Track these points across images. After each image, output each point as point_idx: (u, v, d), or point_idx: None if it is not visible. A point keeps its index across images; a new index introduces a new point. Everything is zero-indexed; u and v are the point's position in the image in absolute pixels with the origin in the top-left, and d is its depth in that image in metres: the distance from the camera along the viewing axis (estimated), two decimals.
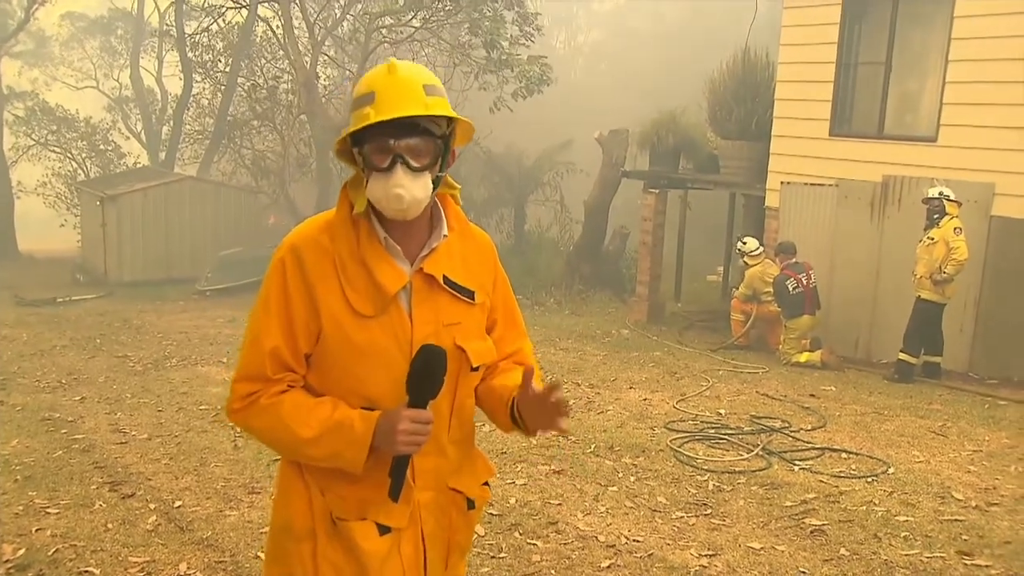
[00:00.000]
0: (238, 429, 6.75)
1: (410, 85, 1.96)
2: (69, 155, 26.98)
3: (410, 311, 2.03)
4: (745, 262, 10.70)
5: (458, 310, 2.09)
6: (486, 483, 2.30)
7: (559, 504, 5.25)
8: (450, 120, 2.01)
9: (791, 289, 9.83)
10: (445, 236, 2.09)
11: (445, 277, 2.07)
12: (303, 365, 2.04)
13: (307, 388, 2.05)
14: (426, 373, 1.95)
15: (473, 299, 2.12)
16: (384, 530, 2.06)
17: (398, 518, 2.08)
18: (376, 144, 1.95)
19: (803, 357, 9.73)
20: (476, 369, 2.13)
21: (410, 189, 1.93)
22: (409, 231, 2.05)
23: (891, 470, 5.92)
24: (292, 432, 1.97)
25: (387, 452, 1.98)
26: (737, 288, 11.07)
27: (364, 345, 1.99)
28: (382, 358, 2.00)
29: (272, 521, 2.17)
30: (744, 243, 10.75)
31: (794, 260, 10.06)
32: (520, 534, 4.78)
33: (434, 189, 2.01)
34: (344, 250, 1.99)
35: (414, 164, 1.94)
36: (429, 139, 1.97)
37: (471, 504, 2.22)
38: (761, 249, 10.62)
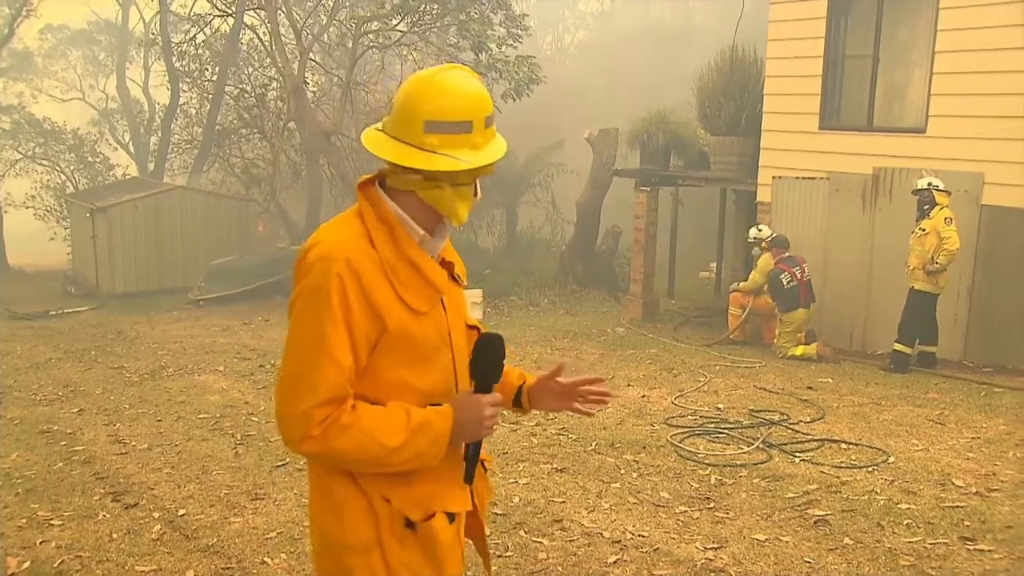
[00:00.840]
0: (237, 436, 6.78)
1: (491, 107, 2.03)
2: (57, 168, 26.90)
3: (443, 300, 2.11)
4: (763, 247, 10.51)
5: (460, 294, 2.23)
6: None
7: (563, 502, 5.26)
8: None
9: (785, 283, 9.87)
10: (451, 227, 2.16)
11: (453, 265, 2.19)
12: (359, 377, 2.01)
13: (359, 398, 2.00)
14: (493, 359, 2.08)
15: (463, 283, 2.26)
16: (451, 518, 2.11)
17: (463, 502, 2.14)
18: (464, 173, 2.00)
19: (799, 350, 9.77)
20: None
21: (478, 196, 2.08)
22: (431, 221, 2.11)
23: (891, 459, 5.95)
24: (380, 443, 1.93)
25: (465, 441, 2.07)
26: (742, 281, 10.95)
27: (422, 341, 2.03)
28: (435, 351, 2.07)
29: (321, 539, 2.07)
30: (760, 230, 10.60)
31: (787, 254, 10.10)
32: (525, 532, 4.79)
33: None
34: (388, 253, 2.00)
35: (484, 175, 2.05)
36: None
37: (486, 468, 2.33)
38: (774, 235, 10.54)
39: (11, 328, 14.09)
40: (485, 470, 2.34)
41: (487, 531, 2.37)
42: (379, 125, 2.05)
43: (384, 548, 2.02)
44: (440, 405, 2.04)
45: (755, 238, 10.57)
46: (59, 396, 8.59)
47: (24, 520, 5.10)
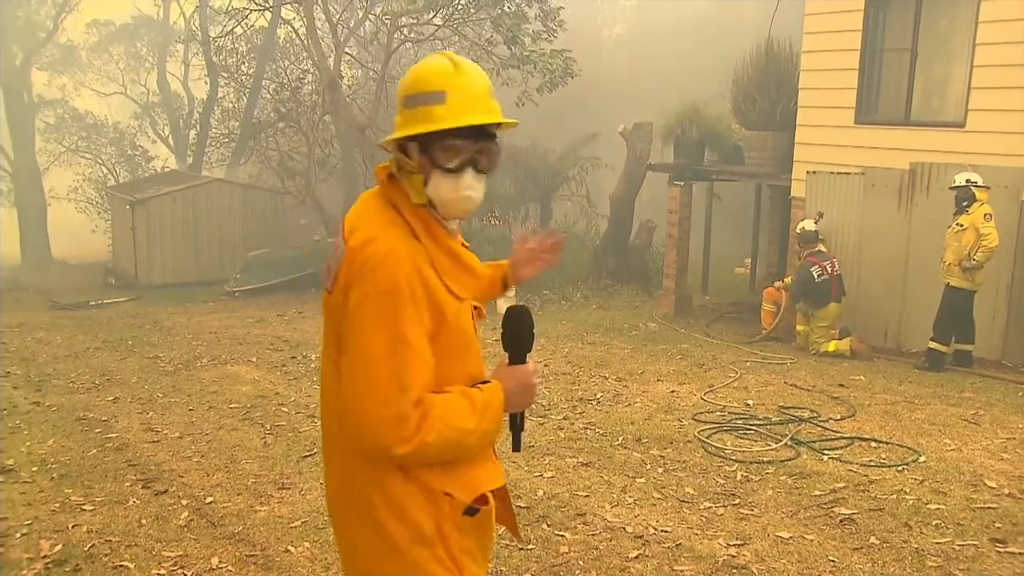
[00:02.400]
0: (266, 426, 6.86)
1: (479, 87, 2.01)
2: (99, 160, 27.39)
3: None
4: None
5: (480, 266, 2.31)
6: None
7: (587, 496, 5.25)
8: None
9: (816, 276, 9.75)
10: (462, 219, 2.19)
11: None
12: None
13: None
14: (525, 330, 2.15)
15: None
16: (493, 494, 2.15)
17: (501, 475, 2.20)
18: (445, 144, 1.98)
19: (832, 346, 9.66)
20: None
21: (478, 191, 2.03)
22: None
23: (922, 458, 5.86)
24: (460, 430, 1.96)
25: (515, 411, 2.15)
26: (786, 277, 10.80)
27: (467, 326, 2.09)
28: (474, 335, 2.13)
29: (387, 542, 2.04)
30: (814, 224, 10.30)
31: (817, 248, 9.98)
32: (548, 526, 4.79)
33: None
34: (431, 244, 2.03)
35: (482, 167, 2.02)
36: (492, 142, 2.05)
37: None
38: (801, 230, 10.37)
39: (52, 318, 14.38)
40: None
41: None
42: None
43: (444, 538, 2.04)
44: (487, 383, 2.08)
45: (814, 231, 10.32)
46: (96, 384, 8.75)
47: (58, 504, 5.21)
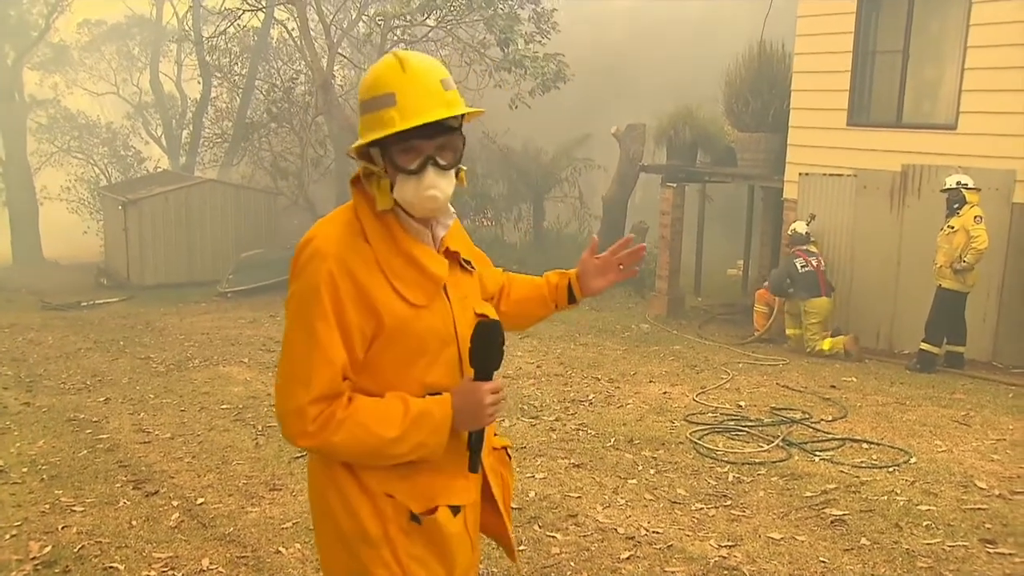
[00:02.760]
0: (258, 427, 6.84)
1: (429, 83, 1.95)
2: (91, 161, 27.30)
3: (446, 291, 2.09)
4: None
5: (469, 282, 2.17)
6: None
7: (579, 497, 5.25)
8: None
9: (799, 267, 9.82)
10: (454, 214, 2.15)
11: (459, 253, 2.15)
12: (356, 372, 2.01)
13: (360, 391, 2.00)
14: (491, 346, 2.03)
15: (473, 269, 2.21)
16: (456, 510, 2.10)
17: (467, 494, 2.13)
18: (403, 146, 1.94)
19: (827, 344, 9.69)
20: None
21: (443, 188, 1.97)
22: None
23: (913, 460, 5.88)
24: (378, 436, 1.93)
25: (466, 430, 2.04)
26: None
27: (424, 334, 2.01)
28: (439, 344, 2.04)
29: (334, 532, 2.07)
30: (807, 224, 10.40)
31: (806, 248, 10.05)
32: (539, 527, 4.79)
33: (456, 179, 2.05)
34: (383, 247, 1.99)
35: (443, 163, 1.97)
36: (453, 135, 1.99)
37: (509, 455, 2.34)
38: (791, 232, 10.46)
39: (44, 318, 14.32)
40: (509, 457, 2.36)
41: (509, 524, 2.33)
42: None
43: (391, 541, 2.02)
44: (440, 394, 2.02)
45: (804, 233, 10.40)
46: (87, 385, 8.72)
47: (47, 505, 5.19)
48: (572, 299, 2.47)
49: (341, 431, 1.92)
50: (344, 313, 1.93)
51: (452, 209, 2.13)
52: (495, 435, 2.32)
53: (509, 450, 2.37)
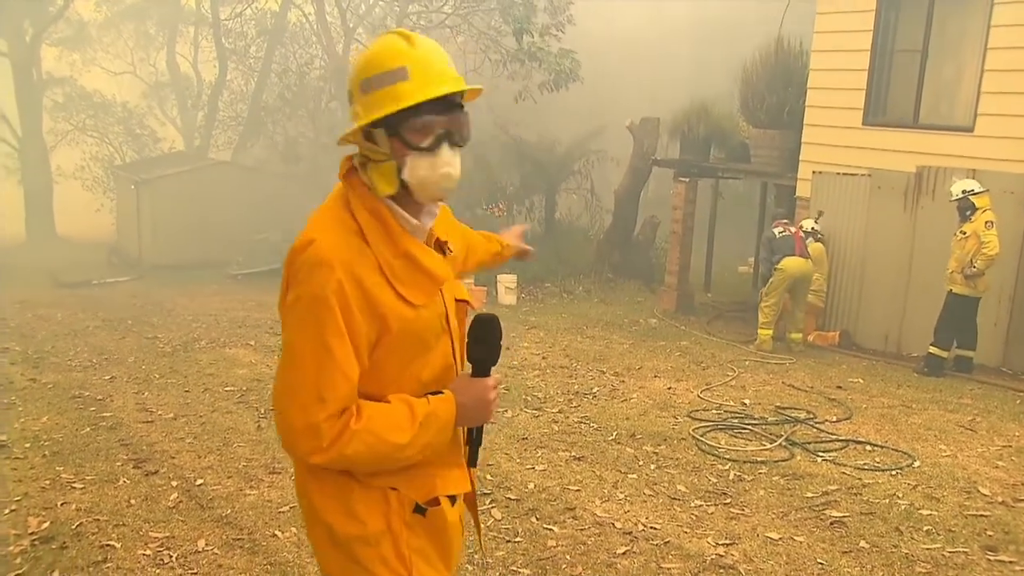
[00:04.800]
0: (261, 410, 6.85)
1: (441, 58, 1.91)
2: (106, 140, 27.36)
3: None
4: (818, 239, 10.32)
5: (448, 268, 2.10)
6: None
7: (577, 490, 5.23)
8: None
9: (777, 234, 9.79)
10: (442, 201, 2.08)
11: (447, 242, 2.11)
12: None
13: (360, 395, 1.93)
14: (491, 342, 2.03)
15: (451, 252, 2.15)
16: (452, 500, 2.10)
17: (463, 484, 2.12)
18: (415, 123, 1.87)
19: (795, 335, 9.91)
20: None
21: (456, 167, 1.92)
22: (418, 204, 2.00)
23: (916, 463, 5.83)
24: (390, 443, 1.88)
25: (469, 426, 2.06)
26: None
27: (424, 333, 1.97)
28: (435, 339, 2.01)
29: (329, 534, 2.01)
30: (816, 222, 10.37)
31: (785, 220, 10.21)
32: (537, 519, 4.77)
33: None
34: (383, 249, 1.92)
35: (458, 140, 1.92)
36: (462, 112, 1.94)
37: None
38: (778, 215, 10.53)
39: (55, 295, 14.41)
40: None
41: (479, 508, 2.35)
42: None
43: (394, 535, 1.99)
44: (440, 392, 1.99)
45: (812, 229, 10.31)
46: (93, 363, 8.75)
47: (48, 481, 5.20)
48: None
49: (355, 442, 1.86)
50: (354, 324, 1.86)
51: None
52: None
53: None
